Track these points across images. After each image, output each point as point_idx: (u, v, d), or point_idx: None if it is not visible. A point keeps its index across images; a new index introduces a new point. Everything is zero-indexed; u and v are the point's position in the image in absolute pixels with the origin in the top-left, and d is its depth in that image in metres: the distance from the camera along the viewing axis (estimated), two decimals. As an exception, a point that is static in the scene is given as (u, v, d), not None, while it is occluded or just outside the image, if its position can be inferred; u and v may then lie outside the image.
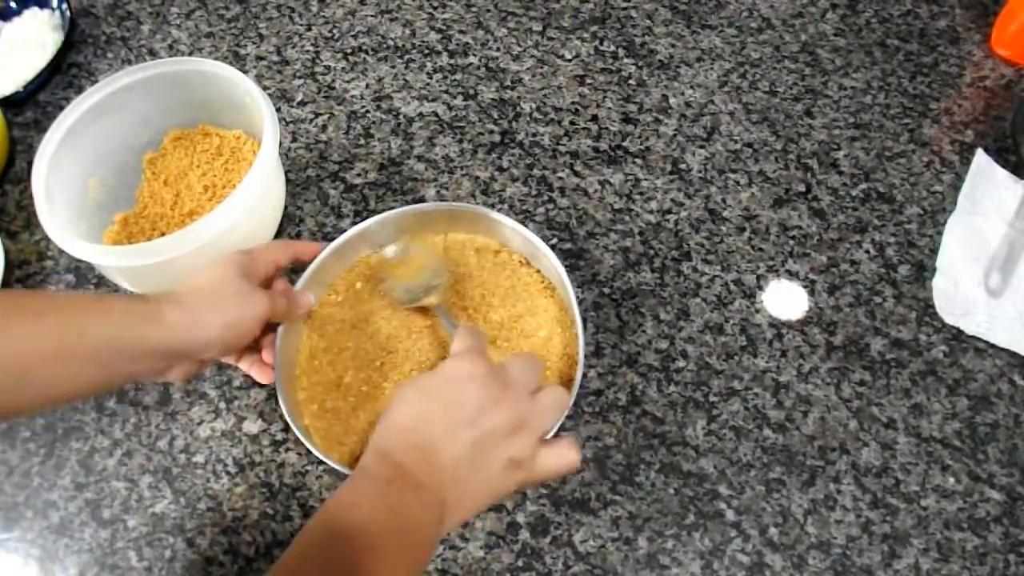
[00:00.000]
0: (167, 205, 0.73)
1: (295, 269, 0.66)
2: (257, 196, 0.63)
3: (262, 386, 0.67)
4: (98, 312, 0.48)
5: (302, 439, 0.56)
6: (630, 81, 0.84)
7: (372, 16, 0.90)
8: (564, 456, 0.49)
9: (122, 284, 0.69)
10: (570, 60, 0.86)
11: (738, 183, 0.78)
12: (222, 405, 0.66)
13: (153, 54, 0.87)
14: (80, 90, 0.82)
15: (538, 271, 0.66)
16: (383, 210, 0.75)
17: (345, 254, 0.67)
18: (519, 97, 0.83)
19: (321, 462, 0.63)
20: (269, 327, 0.59)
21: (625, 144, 0.80)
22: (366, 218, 0.73)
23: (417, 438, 0.46)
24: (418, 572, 0.46)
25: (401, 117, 0.82)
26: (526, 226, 0.65)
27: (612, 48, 0.87)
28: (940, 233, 0.74)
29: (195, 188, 0.74)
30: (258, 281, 0.56)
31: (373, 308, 0.66)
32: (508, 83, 0.84)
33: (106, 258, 0.62)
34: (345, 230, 0.69)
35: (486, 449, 0.46)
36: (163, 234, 0.72)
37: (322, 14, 0.90)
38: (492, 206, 0.76)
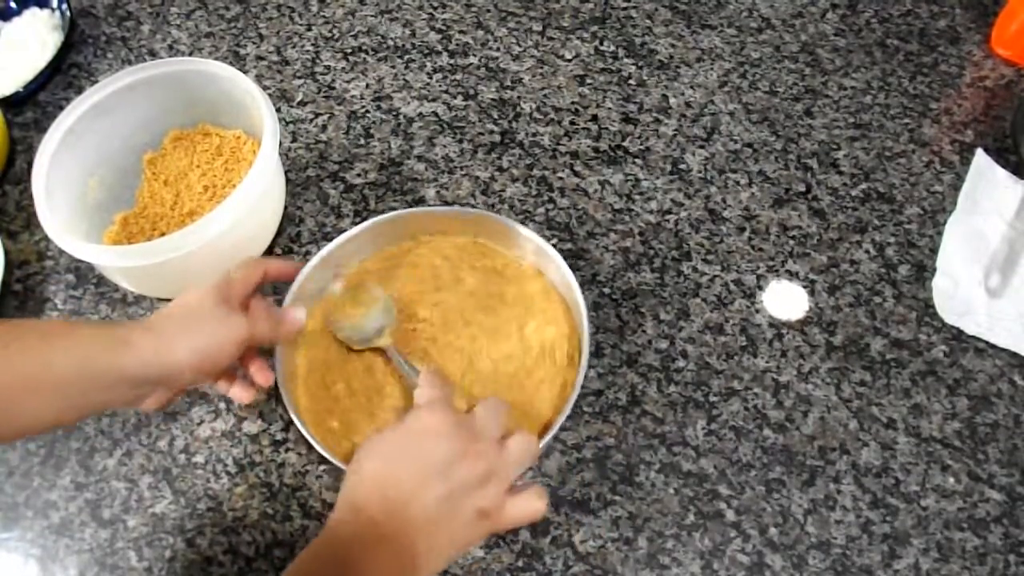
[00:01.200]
0: (167, 205, 0.73)
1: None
2: (257, 196, 0.63)
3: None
4: (65, 340, 0.47)
5: None
6: (630, 81, 0.84)
7: (372, 16, 0.90)
8: (531, 505, 0.49)
9: (122, 284, 0.69)
10: (570, 60, 0.86)
11: (738, 183, 0.78)
12: (222, 405, 0.66)
13: (153, 54, 0.87)
14: (80, 90, 0.82)
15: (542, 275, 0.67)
16: (383, 210, 0.75)
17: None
18: (519, 97, 0.83)
19: (322, 461, 0.63)
20: (254, 352, 0.58)
21: (625, 144, 0.80)
22: (366, 218, 0.73)
23: (389, 491, 0.46)
24: None
25: (401, 117, 0.82)
26: (526, 226, 0.66)
27: (612, 48, 0.87)
28: (940, 233, 0.75)
29: (195, 188, 0.74)
30: (236, 304, 0.55)
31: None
32: (508, 83, 0.84)
33: (106, 258, 0.62)
34: (345, 230, 0.69)
35: (456, 501, 0.47)
36: (163, 234, 0.72)
37: (322, 14, 0.90)
38: (492, 206, 0.76)
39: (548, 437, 0.57)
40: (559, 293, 0.66)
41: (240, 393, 0.58)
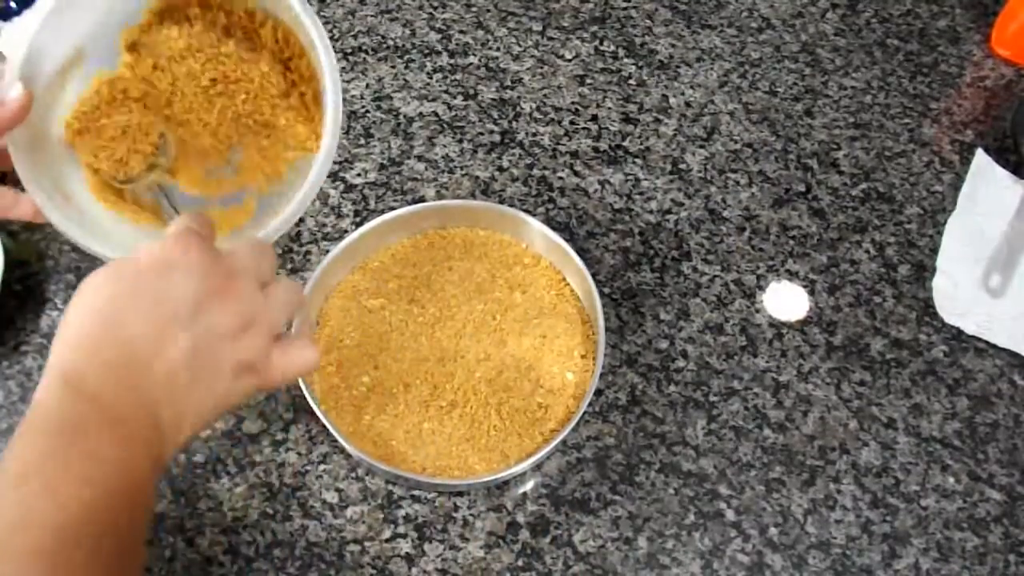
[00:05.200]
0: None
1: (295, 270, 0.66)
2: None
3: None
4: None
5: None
6: (630, 81, 0.84)
7: (372, 16, 0.90)
8: (302, 355, 0.41)
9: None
10: (570, 60, 0.86)
11: (738, 183, 0.78)
12: (222, 405, 0.66)
13: (153, 54, 0.87)
14: (80, 90, 0.82)
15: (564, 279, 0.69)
16: (384, 210, 0.75)
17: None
18: (519, 97, 0.83)
19: (322, 461, 0.63)
20: None
21: (625, 144, 0.80)
22: (367, 219, 0.73)
23: (113, 352, 0.36)
24: (135, 537, 0.37)
25: (401, 117, 0.82)
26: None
27: (612, 48, 0.87)
28: (940, 233, 0.74)
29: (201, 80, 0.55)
30: None
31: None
32: (508, 83, 0.84)
33: (116, 251, 0.57)
34: (346, 230, 0.70)
35: (209, 353, 0.38)
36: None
37: (322, 14, 0.90)
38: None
39: (561, 435, 0.58)
40: (574, 291, 0.68)
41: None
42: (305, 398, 0.62)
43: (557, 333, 0.65)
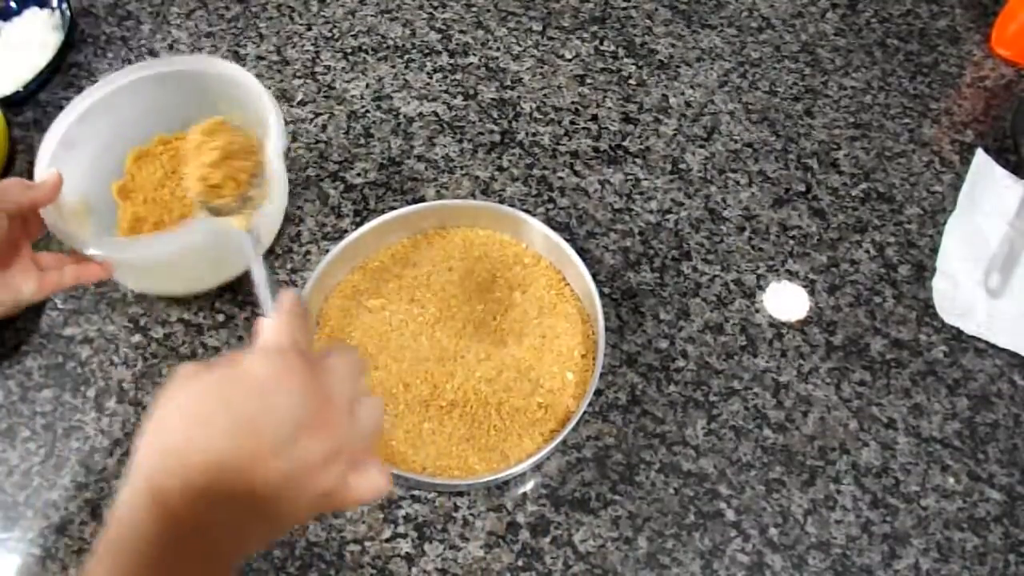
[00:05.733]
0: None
1: (295, 269, 0.66)
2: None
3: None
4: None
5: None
6: (630, 81, 0.84)
7: (372, 16, 0.90)
8: (374, 483, 0.40)
9: (123, 281, 0.69)
10: (570, 60, 0.86)
11: (738, 183, 0.78)
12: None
13: (153, 53, 0.87)
14: (80, 90, 0.82)
15: (564, 279, 0.69)
16: (384, 210, 0.75)
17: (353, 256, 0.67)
18: (519, 97, 0.83)
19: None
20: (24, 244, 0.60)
21: (625, 144, 0.80)
22: (367, 219, 0.73)
23: (203, 473, 0.35)
24: None
25: (401, 117, 0.82)
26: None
27: (612, 48, 0.87)
28: (940, 233, 0.75)
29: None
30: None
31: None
32: (508, 83, 0.84)
33: (106, 250, 0.61)
34: (346, 230, 0.69)
35: (297, 483, 0.36)
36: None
37: (322, 14, 0.90)
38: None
39: (561, 435, 0.58)
40: (574, 291, 0.68)
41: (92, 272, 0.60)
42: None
43: (557, 333, 0.65)
